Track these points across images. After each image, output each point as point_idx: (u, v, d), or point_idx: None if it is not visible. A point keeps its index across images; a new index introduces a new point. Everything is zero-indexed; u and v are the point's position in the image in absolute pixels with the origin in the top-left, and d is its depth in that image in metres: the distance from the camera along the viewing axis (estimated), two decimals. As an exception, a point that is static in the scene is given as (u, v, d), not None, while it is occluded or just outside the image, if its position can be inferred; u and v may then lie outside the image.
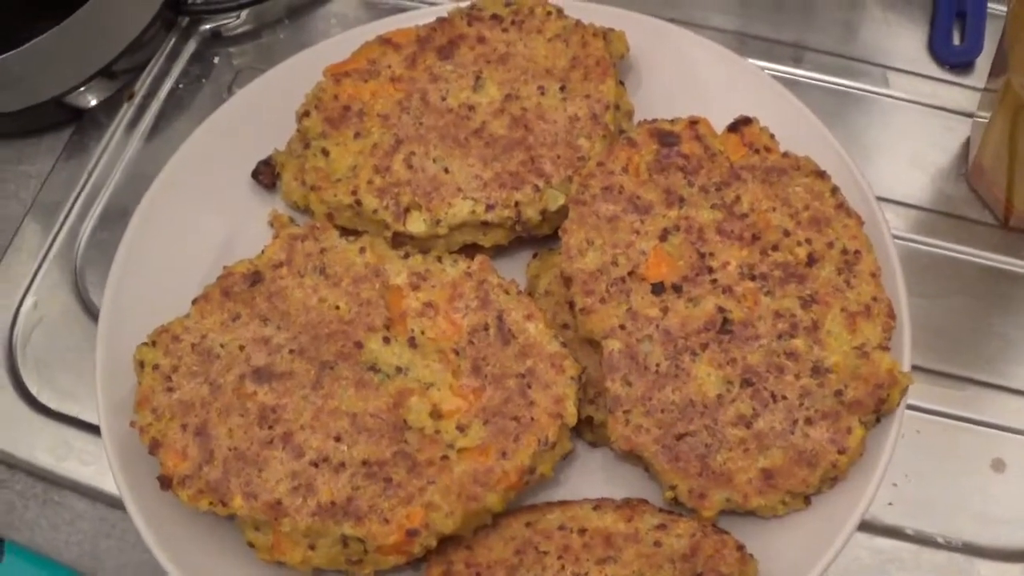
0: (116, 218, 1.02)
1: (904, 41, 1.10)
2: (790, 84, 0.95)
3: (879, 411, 0.79)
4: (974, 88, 1.06)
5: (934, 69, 1.09)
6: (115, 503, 0.89)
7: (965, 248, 0.99)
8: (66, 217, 1.03)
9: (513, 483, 0.76)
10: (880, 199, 0.89)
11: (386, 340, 0.81)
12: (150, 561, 0.79)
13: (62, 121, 1.08)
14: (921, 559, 0.87)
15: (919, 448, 0.90)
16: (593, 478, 0.83)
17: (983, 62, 1.07)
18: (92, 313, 0.97)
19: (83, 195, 1.04)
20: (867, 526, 0.87)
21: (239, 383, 0.80)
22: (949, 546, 0.87)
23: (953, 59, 1.08)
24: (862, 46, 1.11)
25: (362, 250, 0.85)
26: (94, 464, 0.91)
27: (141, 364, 0.81)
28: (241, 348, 0.81)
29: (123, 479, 0.80)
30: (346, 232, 0.88)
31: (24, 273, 1.00)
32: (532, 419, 0.78)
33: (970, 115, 1.05)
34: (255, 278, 0.84)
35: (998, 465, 0.90)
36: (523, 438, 0.77)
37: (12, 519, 0.90)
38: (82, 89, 1.05)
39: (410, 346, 0.81)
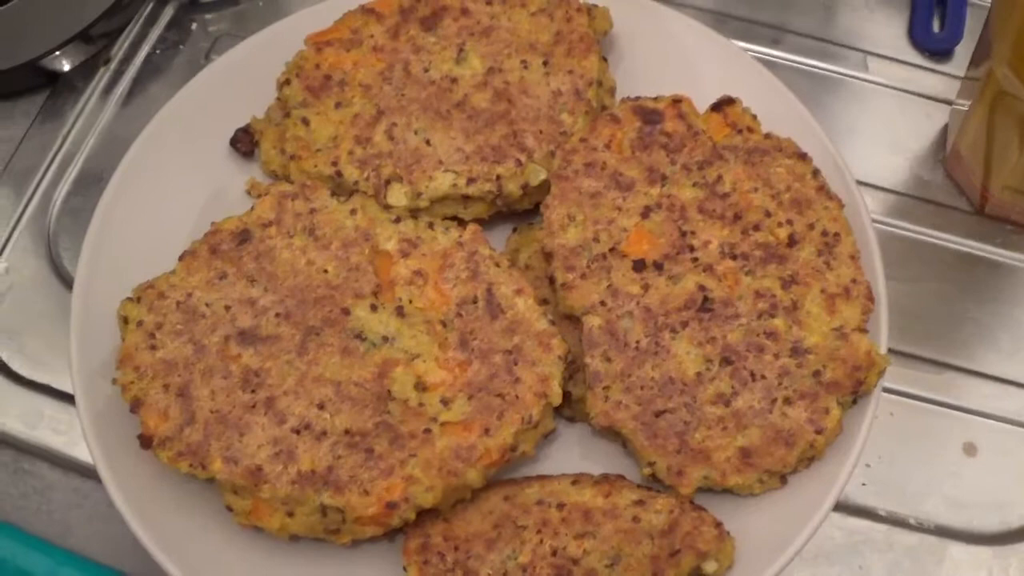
0: (90, 183, 1.01)
1: (884, 27, 1.11)
2: (768, 65, 0.94)
3: (856, 392, 0.79)
4: (953, 76, 1.07)
5: (913, 55, 1.09)
6: (87, 473, 0.88)
7: (941, 234, 1.00)
8: (39, 182, 1.01)
9: (494, 460, 0.76)
10: (857, 183, 0.89)
11: (373, 308, 0.80)
12: (121, 531, 0.77)
13: (37, 85, 1.06)
14: (893, 540, 0.88)
15: (893, 430, 0.91)
16: (570, 453, 0.83)
17: (962, 50, 1.08)
18: (64, 280, 0.96)
19: (57, 160, 1.02)
20: (841, 506, 0.88)
21: (223, 344, 0.79)
22: (921, 528, 0.88)
23: (933, 46, 1.09)
24: (842, 30, 1.11)
25: (353, 211, 0.84)
26: (67, 433, 0.90)
27: (125, 320, 0.80)
28: (227, 308, 0.80)
29: (96, 444, 0.79)
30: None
31: (-4, 239, 0.99)
32: (517, 397, 0.77)
33: (948, 102, 1.05)
34: (243, 236, 0.83)
35: (970, 449, 0.91)
36: (507, 416, 0.76)
37: (-19, 488, 0.89)
38: (58, 53, 1.03)
39: (397, 315, 0.80)
